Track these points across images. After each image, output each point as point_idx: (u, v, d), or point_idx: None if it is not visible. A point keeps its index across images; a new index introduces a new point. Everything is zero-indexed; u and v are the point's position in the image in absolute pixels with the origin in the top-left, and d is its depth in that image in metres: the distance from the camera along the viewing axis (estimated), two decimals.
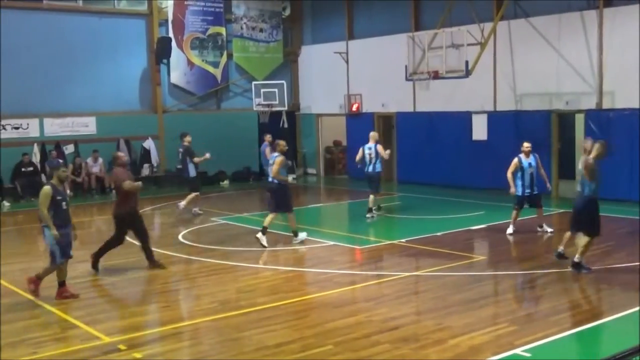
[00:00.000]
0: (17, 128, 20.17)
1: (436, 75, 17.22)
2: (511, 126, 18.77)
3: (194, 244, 11.39)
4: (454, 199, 18.18)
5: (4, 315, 8.68)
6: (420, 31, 19.32)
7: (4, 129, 19.90)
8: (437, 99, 20.39)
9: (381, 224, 15.30)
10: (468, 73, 16.73)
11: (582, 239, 10.08)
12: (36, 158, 20.18)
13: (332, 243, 12.84)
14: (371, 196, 15.55)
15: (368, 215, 15.48)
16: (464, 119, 19.91)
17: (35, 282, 9.53)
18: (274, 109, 23.09)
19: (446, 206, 17.07)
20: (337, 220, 16.75)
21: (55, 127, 20.76)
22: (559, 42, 17.80)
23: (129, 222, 10.86)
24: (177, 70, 22.97)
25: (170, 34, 22.55)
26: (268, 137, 18.65)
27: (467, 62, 16.57)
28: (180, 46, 22.79)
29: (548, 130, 18.09)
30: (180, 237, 13.81)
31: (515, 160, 13.10)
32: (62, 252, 9.32)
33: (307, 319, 8.47)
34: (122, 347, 7.48)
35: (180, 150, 16.49)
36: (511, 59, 18.93)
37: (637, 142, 16.14)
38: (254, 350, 7.31)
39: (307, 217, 16.02)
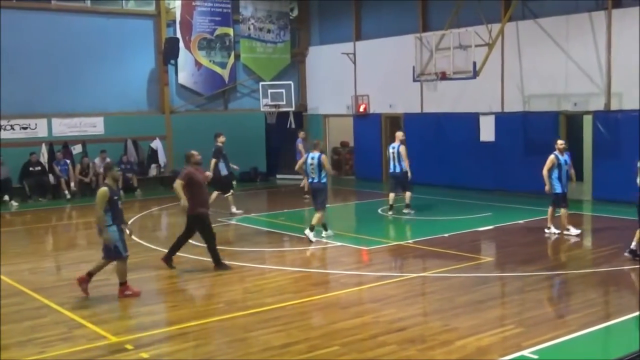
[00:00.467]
0: (25, 128, 20.25)
1: (444, 76, 17.19)
2: (519, 127, 18.72)
3: (201, 244, 11.42)
4: (461, 200, 18.15)
5: (11, 315, 8.72)
6: (427, 32, 19.26)
7: (12, 128, 20.00)
8: (444, 100, 20.36)
9: (388, 225, 15.29)
10: (476, 74, 16.69)
11: None
12: (44, 158, 20.27)
13: (339, 244, 12.84)
14: (408, 193, 15.90)
15: (405, 211, 15.90)
16: (471, 120, 19.86)
17: (85, 281, 9.53)
18: (282, 109, 23.08)
19: (453, 207, 17.05)
20: (344, 221, 16.73)
21: (63, 127, 20.83)
22: (567, 43, 17.74)
23: (199, 223, 10.94)
24: (185, 71, 23.01)
25: (178, 35, 22.58)
26: (302, 134, 19.49)
27: (474, 63, 16.54)
28: (187, 47, 22.84)
29: (556, 131, 17.99)
30: None
31: (552, 157, 12.89)
32: (124, 247, 9.47)
33: (313, 320, 8.48)
34: (129, 346, 7.50)
35: (213, 149, 16.49)
36: (519, 60, 18.88)
37: None
38: (261, 350, 7.32)
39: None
